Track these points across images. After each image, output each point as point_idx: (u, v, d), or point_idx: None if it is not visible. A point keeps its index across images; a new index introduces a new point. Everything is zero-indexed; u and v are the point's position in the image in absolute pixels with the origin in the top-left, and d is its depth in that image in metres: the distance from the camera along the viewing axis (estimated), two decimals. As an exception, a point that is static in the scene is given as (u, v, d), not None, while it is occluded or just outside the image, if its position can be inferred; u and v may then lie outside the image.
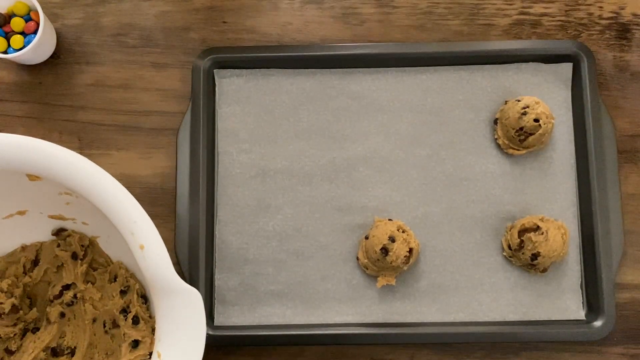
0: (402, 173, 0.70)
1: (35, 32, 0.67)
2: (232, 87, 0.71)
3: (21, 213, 0.66)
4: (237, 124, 0.71)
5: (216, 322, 0.68)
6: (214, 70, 0.71)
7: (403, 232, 0.66)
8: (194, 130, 0.69)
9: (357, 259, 0.69)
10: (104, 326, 0.66)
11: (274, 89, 0.71)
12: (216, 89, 0.71)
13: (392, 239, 0.64)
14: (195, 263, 0.67)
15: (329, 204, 0.70)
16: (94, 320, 0.66)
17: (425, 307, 0.68)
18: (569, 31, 0.72)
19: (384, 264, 0.65)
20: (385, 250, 0.64)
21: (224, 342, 0.66)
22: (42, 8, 0.67)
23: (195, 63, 0.70)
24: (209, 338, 0.54)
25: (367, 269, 0.68)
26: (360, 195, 0.70)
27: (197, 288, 0.66)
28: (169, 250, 0.55)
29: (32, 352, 0.65)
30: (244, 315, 0.68)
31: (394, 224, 0.66)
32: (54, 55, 0.72)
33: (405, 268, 0.66)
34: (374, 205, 0.70)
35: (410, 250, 0.65)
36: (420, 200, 0.70)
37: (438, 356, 0.68)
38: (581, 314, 0.68)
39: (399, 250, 0.64)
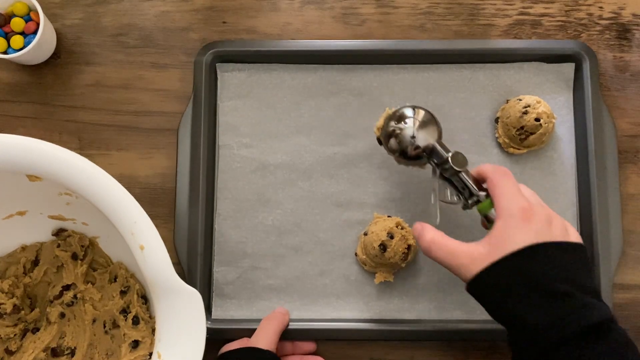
0: (402, 169, 0.70)
1: (35, 33, 0.67)
2: (233, 81, 0.71)
3: (21, 213, 0.66)
4: (238, 118, 0.71)
5: (214, 316, 0.68)
6: (216, 64, 0.71)
7: (402, 228, 0.66)
8: (195, 124, 0.69)
9: (356, 254, 0.69)
10: (104, 326, 0.66)
11: (276, 83, 0.71)
12: (218, 82, 0.71)
13: (391, 236, 0.65)
14: (194, 256, 0.67)
15: (328, 199, 0.70)
16: (94, 321, 0.66)
17: (423, 304, 0.68)
18: (569, 31, 0.72)
19: (382, 260, 0.65)
20: (383, 247, 0.64)
21: (221, 336, 0.67)
22: (42, 8, 0.67)
23: (197, 57, 0.70)
24: (206, 331, 0.54)
25: (366, 265, 0.68)
26: (360, 192, 0.70)
27: (196, 281, 0.67)
28: (168, 249, 0.55)
29: (32, 352, 0.65)
30: (242, 309, 0.69)
31: (393, 221, 0.66)
32: (54, 56, 0.72)
33: (403, 265, 0.66)
34: (374, 202, 0.70)
35: (409, 247, 0.65)
36: (419, 197, 0.70)
37: (438, 357, 0.68)
38: (580, 314, 0.68)
39: (397, 246, 0.64)
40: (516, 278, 0.51)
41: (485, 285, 0.53)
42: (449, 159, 0.59)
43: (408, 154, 0.61)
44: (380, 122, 0.65)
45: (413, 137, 0.60)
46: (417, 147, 0.61)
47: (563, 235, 0.54)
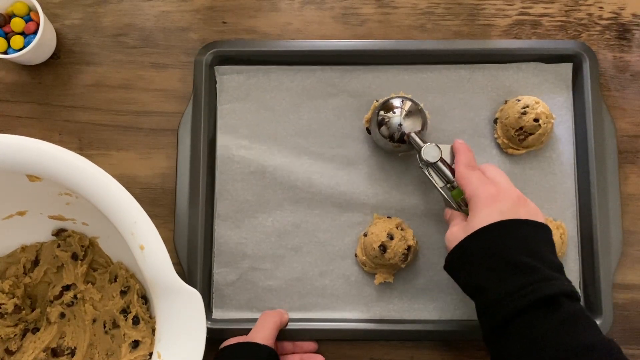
0: (402, 170, 0.70)
1: (35, 33, 0.67)
2: (232, 83, 0.71)
3: (21, 213, 0.66)
4: (237, 120, 0.71)
5: (214, 316, 0.68)
6: (215, 67, 0.71)
7: (401, 229, 0.66)
8: (195, 124, 0.69)
9: (356, 255, 0.69)
10: (104, 326, 0.66)
11: (275, 86, 0.71)
12: (217, 85, 0.71)
13: (391, 237, 0.65)
14: (194, 256, 0.67)
15: (328, 200, 0.70)
16: (94, 321, 0.66)
17: (423, 304, 0.68)
18: (569, 31, 0.72)
19: (382, 261, 0.65)
20: (383, 248, 0.64)
21: (221, 336, 0.66)
22: (42, 8, 0.67)
23: (197, 57, 0.70)
24: (206, 331, 0.54)
25: (366, 265, 0.68)
26: (360, 193, 0.70)
27: (196, 281, 0.67)
28: (168, 249, 0.55)
29: (32, 352, 0.65)
30: (242, 309, 0.69)
31: (393, 222, 0.67)
32: (54, 56, 0.72)
33: (403, 266, 0.66)
34: (373, 203, 0.70)
35: (409, 248, 0.65)
36: (419, 199, 0.70)
37: (438, 357, 0.68)
38: (580, 314, 0.68)
39: (397, 247, 0.64)
40: (481, 252, 0.55)
41: (455, 261, 0.57)
42: (421, 151, 0.63)
43: (395, 140, 0.65)
44: (368, 114, 0.69)
45: (400, 125, 0.65)
46: (403, 133, 0.65)
47: (529, 215, 0.57)
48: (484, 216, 0.56)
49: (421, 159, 0.63)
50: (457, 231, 0.58)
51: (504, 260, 0.53)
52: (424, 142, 0.63)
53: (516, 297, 0.51)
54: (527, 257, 0.53)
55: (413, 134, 0.64)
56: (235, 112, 0.71)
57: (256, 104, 0.71)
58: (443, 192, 0.63)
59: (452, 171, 0.62)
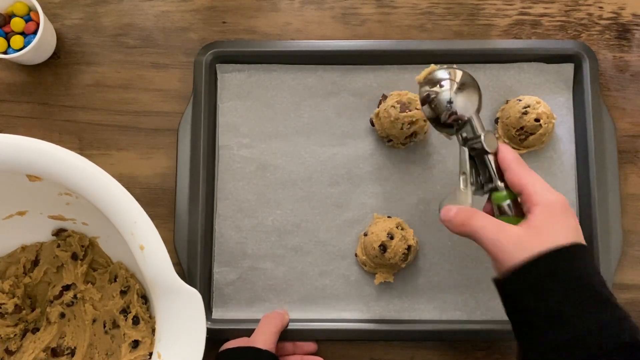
0: (402, 170, 0.70)
1: (35, 33, 0.67)
2: (233, 82, 0.71)
3: (21, 213, 0.66)
4: (238, 118, 0.71)
5: (214, 316, 0.68)
6: (216, 65, 0.71)
7: (402, 229, 0.66)
8: (195, 124, 0.69)
9: (356, 255, 0.69)
10: (104, 326, 0.66)
11: (276, 84, 0.71)
12: (218, 83, 0.71)
13: (391, 236, 0.65)
14: (194, 256, 0.67)
15: (328, 200, 0.70)
16: (94, 321, 0.66)
17: (423, 304, 0.68)
18: (569, 31, 0.72)
19: (382, 261, 0.65)
20: (383, 247, 0.64)
21: (221, 336, 0.67)
22: (42, 8, 0.67)
23: (197, 57, 0.70)
24: (206, 331, 0.54)
25: (366, 265, 0.68)
26: (360, 192, 0.70)
27: (196, 281, 0.67)
28: (168, 249, 0.55)
29: (32, 352, 0.65)
30: (242, 309, 0.69)
31: (393, 221, 0.66)
32: (54, 56, 0.72)
33: (403, 265, 0.66)
34: (373, 202, 0.70)
35: (409, 248, 0.65)
36: (419, 198, 0.70)
37: (438, 356, 0.68)
38: (580, 314, 0.68)
39: (397, 247, 0.64)
40: (564, 275, 0.46)
41: (527, 277, 0.47)
42: (482, 137, 0.53)
43: (441, 122, 0.55)
44: (422, 75, 0.58)
45: (450, 102, 0.54)
46: (454, 113, 0.54)
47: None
48: (561, 232, 0.47)
49: (473, 148, 0.53)
50: (524, 237, 0.48)
51: (591, 290, 0.46)
52: (482, 127, 0.53)
53: (604, 336, 0.44)
54: (606, 290, 0.46)
55: (474, 116, 0.53)
56: (237, 110, 0.71)
57: (257, 102, 0.71)
58: (469, 192, 0.54)
59: (499, 171, 0.53)
